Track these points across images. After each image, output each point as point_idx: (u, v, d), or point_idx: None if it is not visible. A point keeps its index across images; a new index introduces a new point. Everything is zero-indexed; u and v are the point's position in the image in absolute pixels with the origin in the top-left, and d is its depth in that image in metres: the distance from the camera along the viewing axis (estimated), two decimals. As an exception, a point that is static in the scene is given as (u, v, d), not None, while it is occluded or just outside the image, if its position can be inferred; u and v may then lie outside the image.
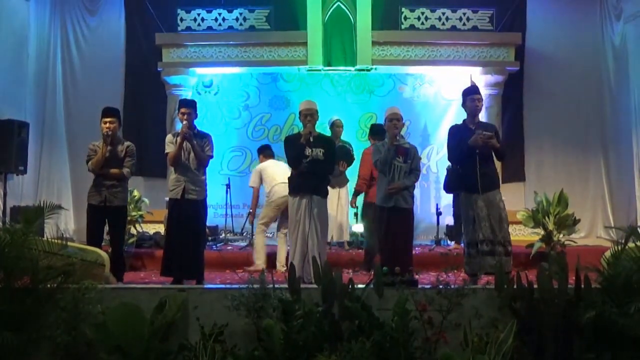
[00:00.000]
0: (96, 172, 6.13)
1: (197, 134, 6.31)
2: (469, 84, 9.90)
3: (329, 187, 8.30)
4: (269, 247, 7.73)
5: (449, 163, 6.64)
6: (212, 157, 6.39)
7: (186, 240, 6.07)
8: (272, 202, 7.57)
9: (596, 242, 9.17)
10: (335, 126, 8.30)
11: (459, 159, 6.10)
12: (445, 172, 8.66)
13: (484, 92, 9.42)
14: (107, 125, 6.14)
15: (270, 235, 9.14)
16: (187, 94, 9.58)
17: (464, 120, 6.21)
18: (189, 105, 6.32)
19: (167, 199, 8.01)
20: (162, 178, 9.34)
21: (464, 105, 6.17)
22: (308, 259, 5.80)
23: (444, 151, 9.67)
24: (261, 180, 7.79)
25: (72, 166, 9.76)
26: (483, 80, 9.52)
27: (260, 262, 7.47)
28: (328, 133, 7.99)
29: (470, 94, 6.11)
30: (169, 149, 6.24)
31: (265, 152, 8.23)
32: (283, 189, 7.35)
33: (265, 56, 9.52)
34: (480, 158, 5.83)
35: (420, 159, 6.21)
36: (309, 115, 6.11)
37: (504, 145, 6.20)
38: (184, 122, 6.15)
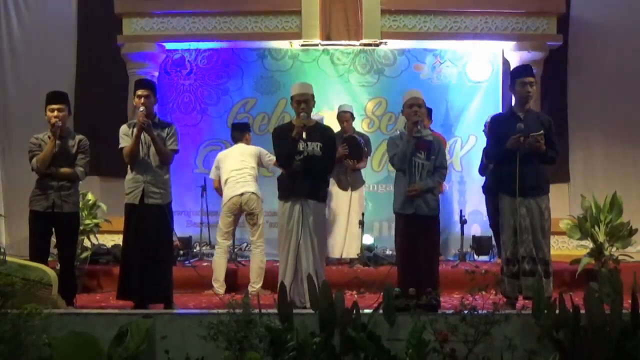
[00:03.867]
0: (42, 171, 6.13)
1: (158, 123, 6.32)
2: (499, 63, 9.98)
3: (339, 189, 8.37)
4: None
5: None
6: (177, 151, 6.41)
7: (149, 255, 6.07)
8: (224, 205, 7.62)
9: (657, 257, 9.19)
10: (342, 121, 8.38)
11: (497, 159, 6.14)
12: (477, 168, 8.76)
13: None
14: (55, 114, 6.14)
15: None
16: (154, 75, 9.58)
17: (510, 107, 6.23)
18: (147, 87, 6.33)
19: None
20: (122, 178, 9.22)
21: (512, 88, 6.19)
22: (301, 278, 5.82)
23: (471, 144, 9.80)
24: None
25: (6, 163, 9.77)
26: (517, 57, 9.52)
27: (217, 285, 7.51)
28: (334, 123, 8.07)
29: (520, 76, 6.12)
30: (124, 142, 6.25)
31: (234, 133, 8.05)
32: (231, 191, 7.52)
33: (250, 28, 9.50)
34: (522, 154, 5.84)
35: (445, 154, 6.21)
36: (303, 102, 6.12)
37: (555, 144, 6.08)
38: (141, 109, 6.14)
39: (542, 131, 5.85)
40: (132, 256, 6.14)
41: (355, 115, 9.49)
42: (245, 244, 9.16)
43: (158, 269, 6.14)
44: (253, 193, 7.50)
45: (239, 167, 7.57)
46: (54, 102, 6.19)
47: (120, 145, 6.28)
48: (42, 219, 6.13)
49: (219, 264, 7.57)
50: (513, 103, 6.21)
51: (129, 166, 6.32)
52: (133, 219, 6.20)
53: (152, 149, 6.19)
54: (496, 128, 6.20)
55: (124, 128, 6.37)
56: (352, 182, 8.34)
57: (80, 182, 6.43)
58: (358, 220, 8.45)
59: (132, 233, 6.18)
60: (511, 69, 9.65)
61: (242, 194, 7.48)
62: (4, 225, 9.61)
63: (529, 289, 5.74)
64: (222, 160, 7.76)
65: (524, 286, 5.85)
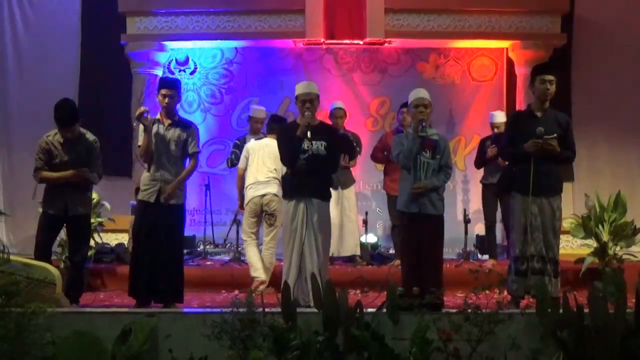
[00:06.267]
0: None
1: (178, 122, 6.33)
2: (503, 62, 9.97)
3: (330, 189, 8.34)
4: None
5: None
6: (199, 151, 6.47)
7: (162, 254, 6.09)
8: (246, 206, 7.58)
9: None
10: (336, 117, 8.34)
11: (513, 159, 6.14)
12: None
13: (523, 71, 9.46)
14: (69, 135, 6.10)
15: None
16: (157, 74, 9.58)
17: (529, 106, 6.22)
18: (172, 86, 6.31)
19: (131, 202, 8.01)
20: (126, 177, 9.35)
21: (531, 86, 6.17)
22: (306, 277, 5.81)
23: (474, 143, 9.78)
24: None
25: (10, 162, 9.79)
26: (521, 56, 9.51)
27: (257, 273, 7.35)
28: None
29: (540, 73, 6.08)
30: (141, 139, 6.28)
31: (271, 124, 7.79)
32: (253, 192, 7.46)
33: (254, 27, 9.49)
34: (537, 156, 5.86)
35: (451, 154, 6.20)
36: (308, 101, 6.10)
37: (572, 144, 6.10)
38: (140, 109, 6.17)
39: (555, 135, 5.83)
40: (143, 254, 6.14)
41: (359, 114, 9.53)
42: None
43: (170, 268, 6.15)
44: (274, 195, 7.44)
45: (264, 169, 7.50)
46: (67, 126, 6.09)
47: (138, 143, 6.29)
48: (54, 221, 6.16)
49: (254, 254, 7.45)
50: (532, 101, 6.18)
51: (146, 163, 6.31)
52: (147, 217, 6.20)
53: (171, 147, 6.20)
54: (514, 127, 6.18)
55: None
56: (343, 181, 8.30)
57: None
58: (352, 218, 8.44)
59: (144, 231, 6.18)
60: (515, 68, 9.69)
61: (263, 195, 7.43)
62: (5, 224, 9.60)
63: (532, 287, 5.76)
64: (252, 153, 7.61)
65: (532, 285, 5.84)
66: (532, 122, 5.91)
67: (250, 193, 7.50)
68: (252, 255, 7.48)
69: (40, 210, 6.26)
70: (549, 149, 5.79)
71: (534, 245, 5.85)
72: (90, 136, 6.32)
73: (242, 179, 7.70)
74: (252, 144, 7.71)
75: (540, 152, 5.79)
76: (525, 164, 5.86)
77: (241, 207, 7.85)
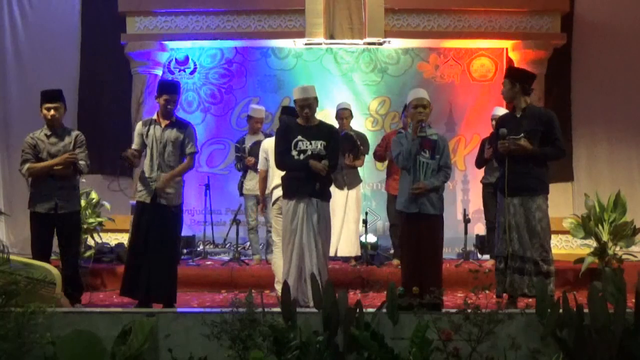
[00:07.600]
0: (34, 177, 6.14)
1: (175, 122, 6.33)
2: (503, 62, 9.98)
3: (336, 188, 8.31)
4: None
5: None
6: (197, 152, 6.48)
7: (158, 255, 6.09)
8: (273, 203, 7.15)
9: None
10: (342, 118, 8.34)
11: (497, 160, 6.29)
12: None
13: (523, 71, 9.46)
14: (52, 112, 6.13)
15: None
16: (157, 73, 9.59)
17: (513, 107, 6.28)
18: (174, 91, 6.31)
19: (131, 202, 8.01)
20: (126, 177, 9.33)
21: None
22: (305, 278, 5.81)
23: (474, 143, 9.81)
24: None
25: (9, 161, 9.80)
26: (521, 56, 9.51)
27: (279, 287, 7.10)
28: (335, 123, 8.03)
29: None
30: (135, 144, 6.27)
31: (285, 118, 7.18)
32: (280, 191, 7.20)
33: (253, 26, 9.50)
34: (511, 156, 5.92)
35: (450, 154, 6.22)
36: (307, 106, 6.10)
37: (558, 139, 6.07)
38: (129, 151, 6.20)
39: (521, 135, 5.89)
40: (139, 254, 6.15)
41: (359, 114, 9.49)
42: (247, 243, 9.14)
43: (166, 269, 6.16)
44: None
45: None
46: (50, 101, 6.19)
47: (133, 147, 6.29)
48: (44, 221, 6.15)
49: (280, 265, 6.87)
50: None
51: (143, 164, 6.32)
52: (144, 217, 6.21)
53: (168, 148, 6.21)
54: (496, 128, 6.27)
55: (138, 127, 6.39)
56: (348, 181, 8.26)
57: (83, 180, 6.44)
58: (355, 218, 8.40)
59: (142, 232, 6.19)
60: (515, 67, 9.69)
61: None
62: (4, 224, 9.61)
63: (513, 286, 5.81)
64: (271, 152, 7.03)
65: (508, 282, 5.88)
66: (512, 122, 6.01)
67: (277, 192, 6.97)
68: (280, 264, 6.83)
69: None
70: (516, 149, 5.83)
71: (511, 245, 5.90)
72: (74, 130, 6.39)
73: (264, 180, 7.29)
74: (268, 143, 7.22)
75: (508, 152, 5.85)
76: (502, 165, 5.99)
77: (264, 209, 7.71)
